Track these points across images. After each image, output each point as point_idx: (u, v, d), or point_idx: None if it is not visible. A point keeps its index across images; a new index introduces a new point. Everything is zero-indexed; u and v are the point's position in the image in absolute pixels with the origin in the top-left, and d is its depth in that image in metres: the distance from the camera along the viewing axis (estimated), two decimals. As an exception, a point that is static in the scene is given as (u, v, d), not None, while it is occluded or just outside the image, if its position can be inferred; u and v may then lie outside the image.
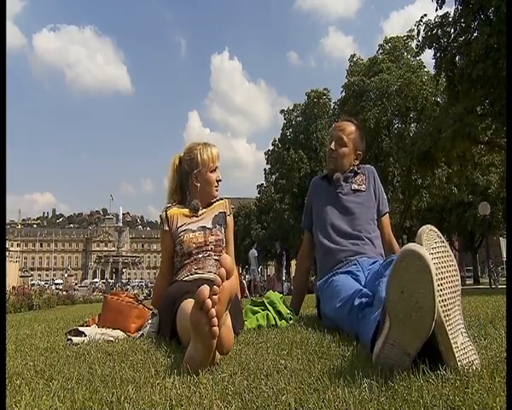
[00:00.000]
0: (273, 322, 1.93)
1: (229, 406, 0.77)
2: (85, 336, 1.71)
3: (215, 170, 1.99)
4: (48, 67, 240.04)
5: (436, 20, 12.90)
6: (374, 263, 1.82)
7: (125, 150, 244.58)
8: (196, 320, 1.03)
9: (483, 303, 2.82)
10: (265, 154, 32.76)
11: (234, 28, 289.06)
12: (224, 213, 2.02)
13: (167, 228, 1.95)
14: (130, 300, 1.87)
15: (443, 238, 0.97)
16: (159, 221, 2.06)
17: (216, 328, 1.01)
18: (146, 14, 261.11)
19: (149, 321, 1.77)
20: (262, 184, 35.73)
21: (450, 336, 0.91)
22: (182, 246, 1.87)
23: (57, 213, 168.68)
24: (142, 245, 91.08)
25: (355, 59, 25.32)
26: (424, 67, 21.76)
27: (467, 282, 24.65)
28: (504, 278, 17.41)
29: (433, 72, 15.09)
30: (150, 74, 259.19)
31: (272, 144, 32.20)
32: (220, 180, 2.02)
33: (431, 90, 20.15)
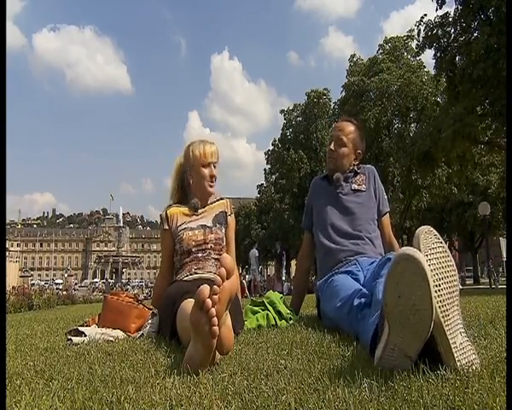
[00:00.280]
0: (273, 322, 1.93)
1: (229, 406, 0.77)
2: (85, 336, 1.70)
3: (208, 165, 1.97)
4: (48, 67, 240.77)
5: (436, 20, 12.90)
6: (373, 263, 1.82)
7: (125, 150, 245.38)
8: (196, 320, 1.03)
9: (483, 303, 2.82)
10: (265, 154, 32.83)
11: (234, 28, 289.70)
12: (225, 212, 2.02)
13: (167, 227, 1.95)
14: (130, 300, 1.87)
15: (441, 239, 0.97)
16: (159, 221, 2.06)
17: (216, 328, 1.01)
18: (146, 14, 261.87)
19: (149, 321, 1.77)
20: (262, 184, 35.77)
21: (449, 337, 0.91)
22: (181, 244, 1.87)
23: (57, 213, 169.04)
24: (142, 245, 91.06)
25: (355, 59, 25.33)
26: (424, 67, 21.77)
27: (467, 282, 24.65)
28: (504, 278, 17.41)
29: (433, 72, 15.09)
30: (150, 74, 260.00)
31: (272, 144, 32.26)
32: (214, 176, 1.98)
33: (431, 90, 20.17)
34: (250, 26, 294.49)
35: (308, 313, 2.51)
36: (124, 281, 24.80)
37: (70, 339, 1.69)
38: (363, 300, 1.43)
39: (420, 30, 13.66)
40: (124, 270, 24.60)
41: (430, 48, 13.24)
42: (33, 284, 27.37)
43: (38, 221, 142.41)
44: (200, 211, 1.98)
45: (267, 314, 1.97)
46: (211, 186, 1.99)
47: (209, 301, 1.00)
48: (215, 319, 1.00)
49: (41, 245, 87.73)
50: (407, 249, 0.91)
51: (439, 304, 0.90)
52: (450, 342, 0.91)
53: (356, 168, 2.18)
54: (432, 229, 0.98)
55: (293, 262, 25.11)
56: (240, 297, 1.91)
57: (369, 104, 22.03)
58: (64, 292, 13.02)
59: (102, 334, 1.71)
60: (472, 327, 1.52)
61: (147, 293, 17.76)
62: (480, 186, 24.00)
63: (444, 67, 12.61)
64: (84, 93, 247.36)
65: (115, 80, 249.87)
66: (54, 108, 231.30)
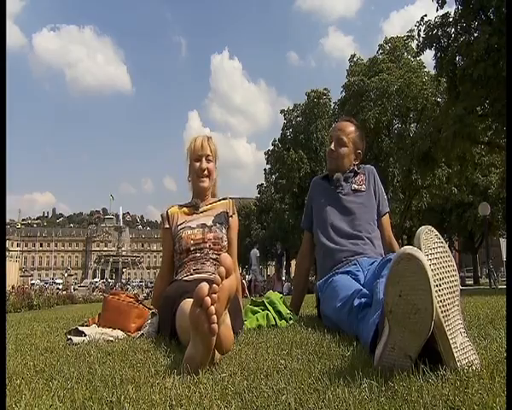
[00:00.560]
0: (273, 322, 1.93)
1: (229, 406, 0.77)
2: (85, 335, 1.70)
3: (200, 159, 1.94)
4: (48, 67, 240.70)
5: (436, 20, 12.92)
6: (373, 263, 1.82)
7: (125, 150, 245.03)
8: (195, 318, 1.02)
9: (483, 303, 2.82)
10: (265, 154, 32.82)
11: (234, 28, 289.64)
12: (227, 212, 2.00)
13: (168, 226, 1.96)
14: (131, 300, 1.88)
15: (441, 238, 0.97)
16: (159, 221, 2.06)
17: (215, 325, 1.01)
18: (146, 13, 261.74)
19: (149, 321, 1.77)
20: (262, 184, 35.78)
21: (449, 337, 0.91)
22: (180, 243, 1.87)
23: (57, 212, 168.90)
24: (142, 245, 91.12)
25: (355, 59, 25.31)
26: (424, 67, 21.76)
27: (467, 282, 24.65)
28: (504, 279, 17.41)
29: (433, 72, 15.09)
30: (150, 74, 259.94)
31: (272, 144, 32.25)
32: (205, 170, 1.93)
33: (431, 90, 20.16)
34: (250, 26, 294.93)
35: (308, 313, 2.51)
36: (124, 281, 24.78)
37: (70, 339, 1.69)
38: (363, 300, 1.43)
39: (420, 30, 13.69)
40: (124, 270, 24.58)
41: (430, 48, 13.24)
42: (33, 283, 27.38)
43: (38, 221, 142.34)
44: (201, 209, 1.98)
45: (267, 314, 1.97)
46: (202, 181, 1.95)
47: (208, 299, 1.00)
48: (214, 316, 1.00)
49: (41, 245, 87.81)
50: (408, 249, 0.91)
51: (440, 304, 0.90)
52: (451, 342, 0.91)
53: (356, 168, 2.18)
54: (433, 229, 0.98)
55: (293, 262, 25.10)
56: (240, 297, 1.92)
57: (369, 104, 22.01)
58: (64, 292, 13.01)
59: (102, 334, 1.71)
60: (472, 327, 1.52)
61: (147, 293, 17.75)
62: (480, 186, 23.99)
63: (444, 68, 12.62)
64: (84, 93, 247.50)
65: (115, 80, 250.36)
66: (54, 108, 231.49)
